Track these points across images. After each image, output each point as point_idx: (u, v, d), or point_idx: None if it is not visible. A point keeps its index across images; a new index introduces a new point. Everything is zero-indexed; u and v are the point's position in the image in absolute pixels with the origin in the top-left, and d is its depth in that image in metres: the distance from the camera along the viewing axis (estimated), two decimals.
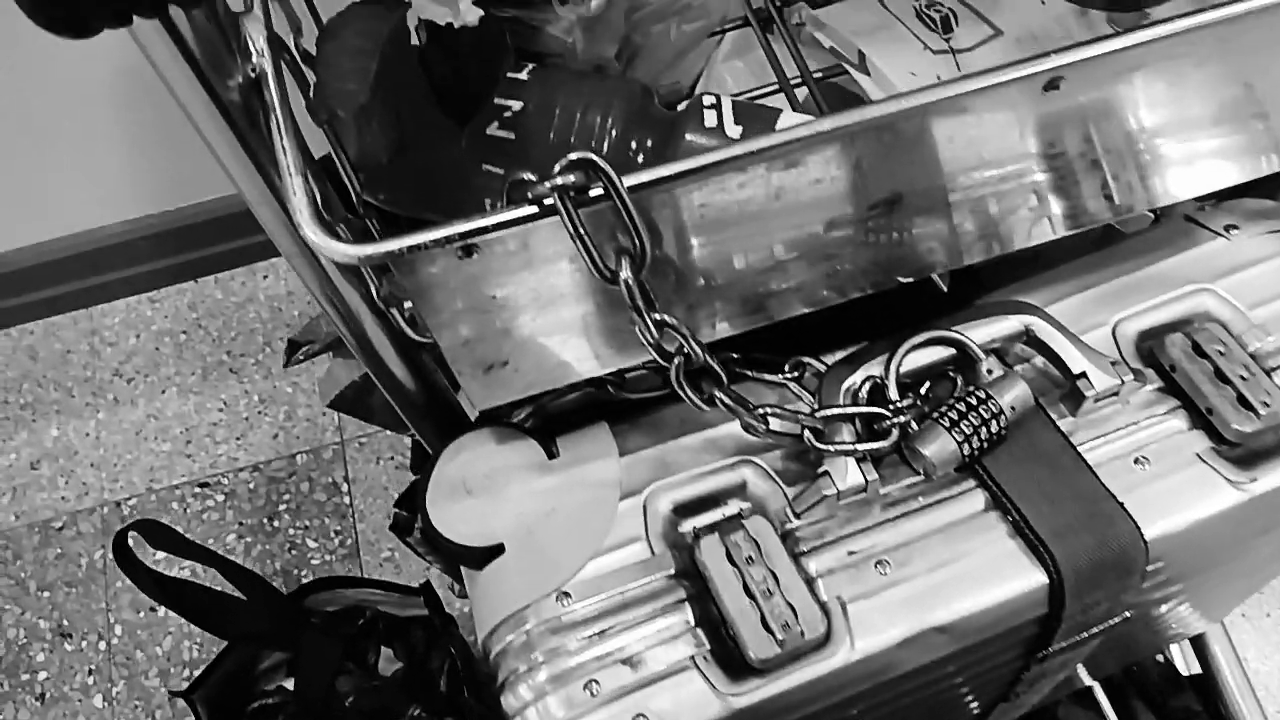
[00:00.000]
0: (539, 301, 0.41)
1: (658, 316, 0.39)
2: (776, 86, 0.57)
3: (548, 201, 0.35)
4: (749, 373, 0.59)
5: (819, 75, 0.56)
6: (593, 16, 0.45)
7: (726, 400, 0.45)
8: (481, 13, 0.33)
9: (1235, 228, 0.61)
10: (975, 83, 0.39)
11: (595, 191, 0.35)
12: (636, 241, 0.36)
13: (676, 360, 0.42)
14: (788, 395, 0.58)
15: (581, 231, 0.35)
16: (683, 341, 0.41)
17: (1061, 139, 0.47)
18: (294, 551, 1.23)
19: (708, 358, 0.43)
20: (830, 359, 0.60)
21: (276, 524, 1.24)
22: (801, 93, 0.56)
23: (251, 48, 0.36)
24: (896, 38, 0.54)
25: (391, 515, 0.89)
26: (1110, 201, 0.55)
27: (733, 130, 0.44)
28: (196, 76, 0.33)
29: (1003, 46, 0.55)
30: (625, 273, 0.36)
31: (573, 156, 0.34)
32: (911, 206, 0.48)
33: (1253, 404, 0.54)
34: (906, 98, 0.39)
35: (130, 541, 0.82)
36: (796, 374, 0.58)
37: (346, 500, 1.25)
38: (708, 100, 0.45)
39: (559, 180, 0.34)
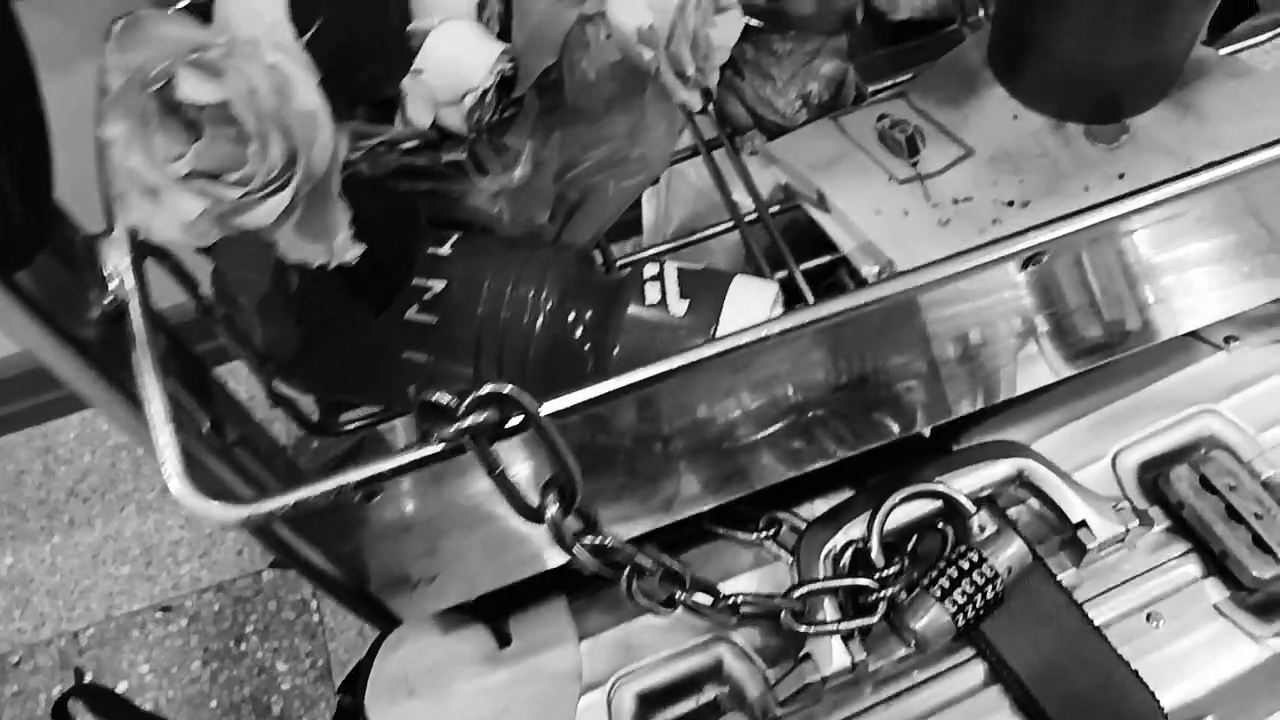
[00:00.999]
0: (467, 519, 0.36)
1: (600, 542, 0.34)
2: (731, 223, 0.52)
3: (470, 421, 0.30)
4: (720, 530, 0.54)
5: (776, 210, 0.51)
6: (517, 187, 0.40)
7: (691, 603, 0.40)
8: (362, 248, 0.29)
9: (1235, 339, 0.57)
10: (961, 263, 0.34)
11: (516, 420, 0.30)
12: (565, 476, 0.31)
13: (627, 569, 0.37)
14: (763, 555, 0.53)
15: (498, 472, 0.30)
16: (633, 555, 0.36)
17: (1055, 290, 0.43)
18: (263, 675, 1.16)
19: (666, 563, 0.38)
20: (808, 509, 0.55)
21: (244, 646, 1.18)
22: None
23: (111, 276, 0.31)
24: (857, 169, 0.49)
25: (333, 705, 0.82)
26: (1110, 343, 0.50)
27: (677, 306, 0.39)
28: (41, 319, 0.29)
29: (974, 167, 0.51)
30: (552, 509, 0.31)
31: (485, 390, 0.29)
32: (889, 376, 0.44)
33: (1271, 546, 0.49)
34: (887, 284, 0.35)
35: (70, 706, 0.76)
36: (772, 531, 0.53)
37: (316, 618, 1.18)
38: (649, 271, 0.40)
39: (468, 422, 0.29)
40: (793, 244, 0.52)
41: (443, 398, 0.30)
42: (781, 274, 0.50)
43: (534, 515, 0.31)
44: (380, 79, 0.35)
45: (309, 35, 0.29)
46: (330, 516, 0.33)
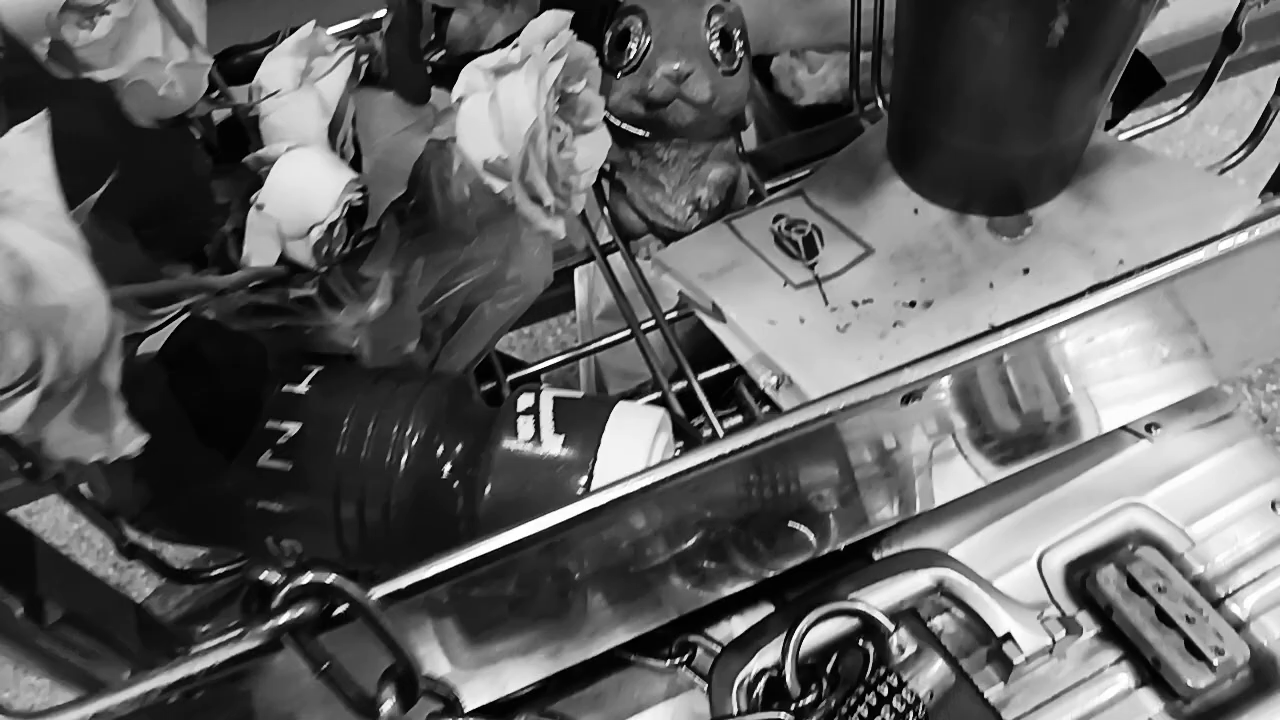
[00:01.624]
0: (319, 699, 0.33)
1: None
2: (628, 331, 0.50)
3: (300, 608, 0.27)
4: (631, 657, 0.51)
5: (673, 315, 0.49)
6: (377, 319, 0.37)
7: None
8: (145, 438, 0.26)
9: (1157, 426, 0.55)
10: (869, 390, 0.32)
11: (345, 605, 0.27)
12: (404, 666, 0.28)
13: None
14: (679, 682, 0.50)
15: (324, 668, 0.27)
16: None
17: (974, 394, 0.40)
18: None
19: None
20: (725, 628, 0.52)
21: None
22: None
23: None
24: (751, 276, 0.47)
25: None
26: (1033, 445, 0.48)
27: (552, 441, 0.37)
28: None
29: (875, 266, 0.49)
30: (389, 705, 0.28)
31: (306, 579, 0.26)
32: (798, 494, 0.42)
33: (1204, 652, 0.47)
34: (792, 415, 0.32)
35: None
36: (686, 656, 0.50)
37: None
38: (524, 403, 0.38)
39: (285, 618, 0.26)
40: (700, 347, 0.49)
41: (271, 577, 0.27)
42: (681, 385, 0.48)
43: (368, 712, 0.28)
44: (197, 228, 0.33)
45: (103, 191, 0.26)
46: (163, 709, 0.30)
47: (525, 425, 0.37)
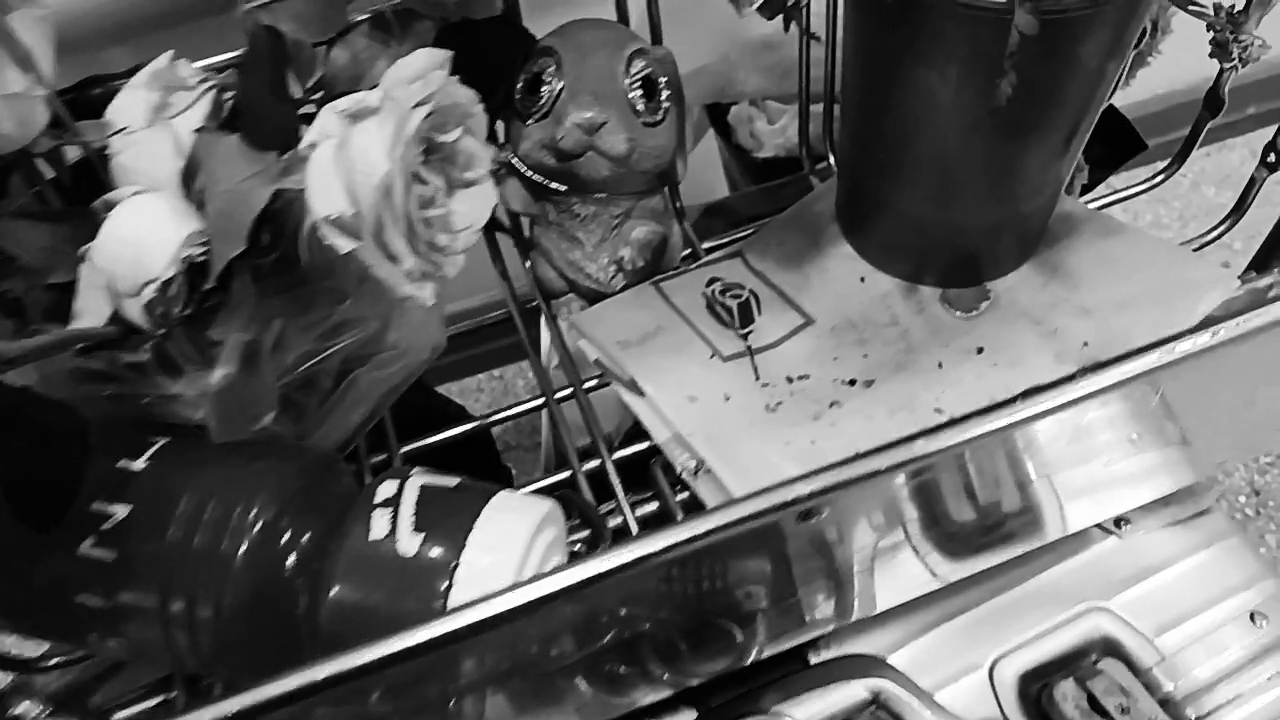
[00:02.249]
0: None
1: None
2: (541, 399, 0.45)
3: None
4: None
5: (592, 383, 0.45)
6: (224, 388, 0.33)
7: None
8: None
9: (1127, 522, 0.51)
10: (765, 500, 0.27)
11: None
12: None
13: None
14: None
15: None
16: None
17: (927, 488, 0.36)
18: None
19: None
20: None
21: None
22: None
23: None
24: (675, 346, 0.43)
25: None
26: (989, 544, 0.44)
27: (409, 541, 0.32)
28: None
29: (815, 338, 0.44)
30: None
31: None
32: (722, 598, 0.37)
33: None
34: (709, 517, 0.27)
35: None
36: None
37: None
38: (384, 492, 0.33)
39: None
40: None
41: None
42: (594, 464, 0.43)
43: None
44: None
45: None
46: None
47: (381, 519, 0.32)
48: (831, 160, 0.52)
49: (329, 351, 0.37)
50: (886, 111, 0.41)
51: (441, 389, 1.33)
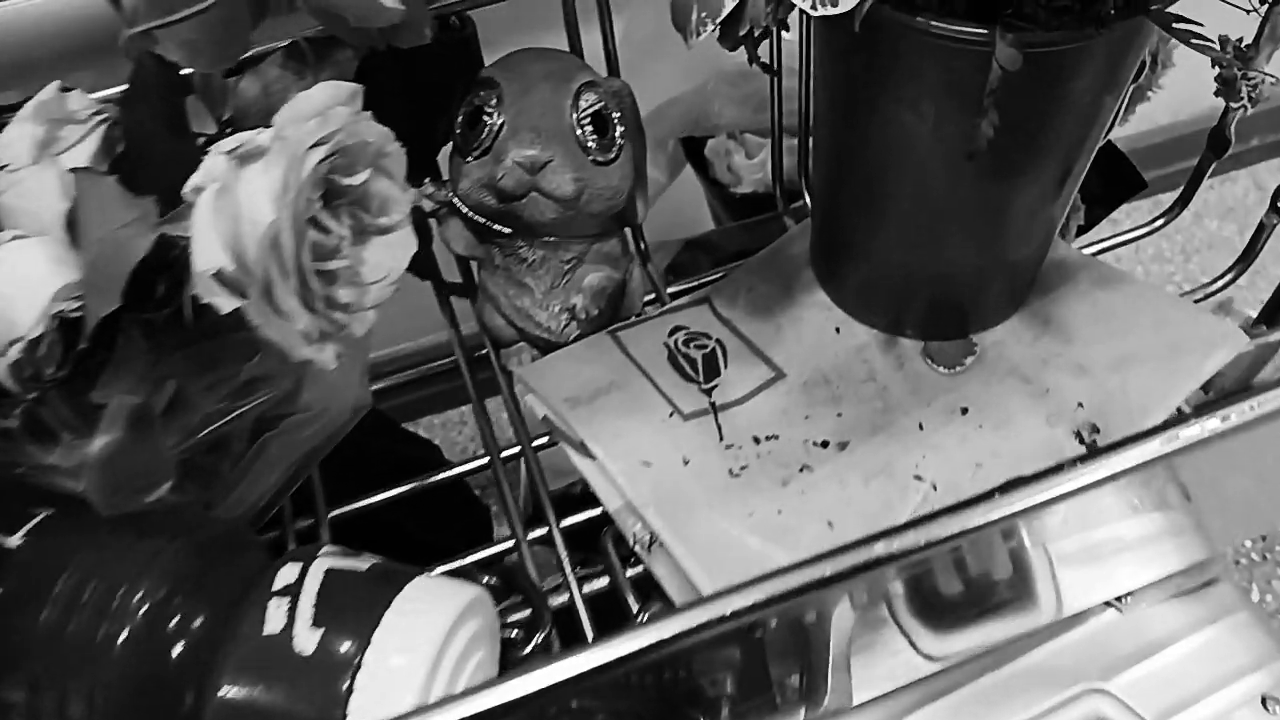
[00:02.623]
0: None
1: None
2: (485, 459, 0.42)
3: None
4: None
5: (541, 441, 0.41)
6: (108, 457, 0.29)
7: None
8: None
9: (1128, 594, 0.47)
10: (704, 612, 0.23)
11: None
12: None
13: None
14: None
15: None
16: None
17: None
18: None
19: None
20: None
21: None
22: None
23: None
24: (632, 402, 0.39)
25: None
26: (990, 621, 0.40)
27: (306, 638, 0.28)
28: None
29: (785, 394, 0.41)
30: None
31: None
32: (691, 686, 0.33)
33: None
34: (681, 616, 0.23)
35: None
36: None
37: None
38: (283, 578, 0.29)
39: None
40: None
41: None
42: (542, 531, 0.39)
43: None
44: None
45: None
46: None
47: (278, 610, 0.28)
48: (806, 199, 0.49)
49: (237, 412, 0.33)
50: (859, 151, 0.38)
51: (426, 420, 1.29)
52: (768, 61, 0.45)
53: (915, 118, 0.34)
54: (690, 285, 0.46)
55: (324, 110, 0.26)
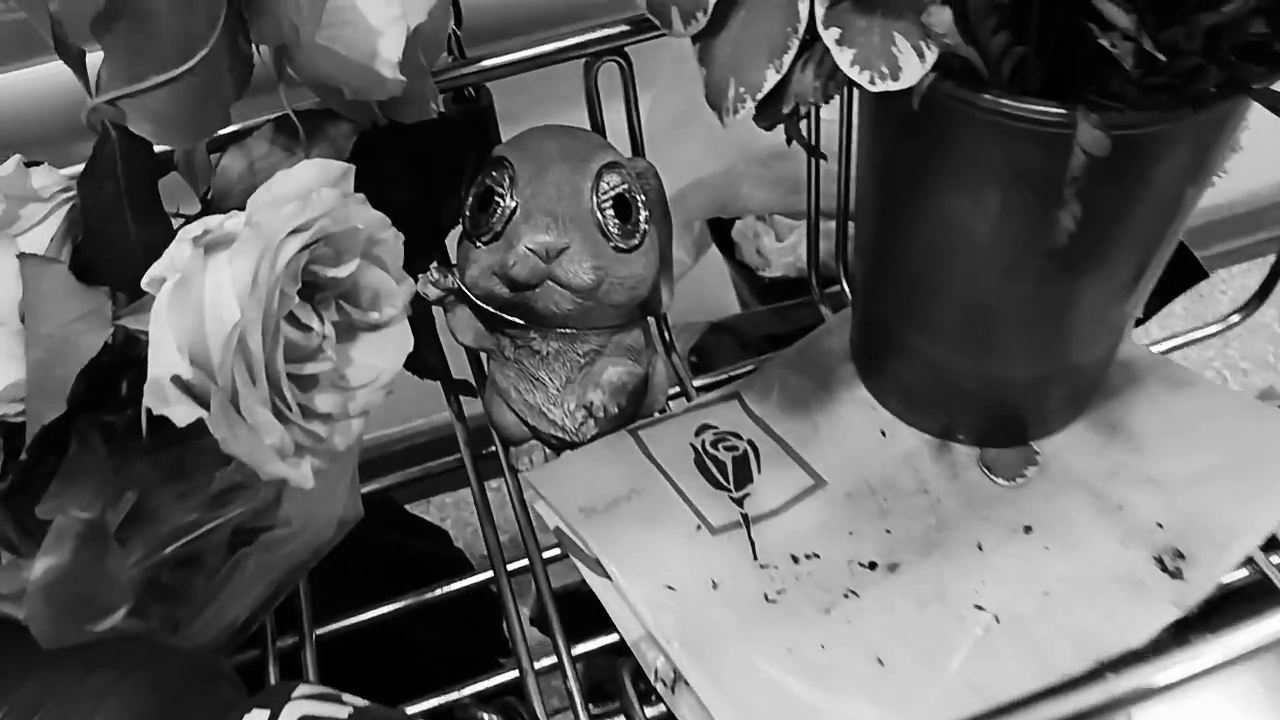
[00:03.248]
0: None
1: None
2: (490, 573, 0.38)
3: None
4: None
5: (552, 554, 0.37)
6: (52, 581, 0.25)
7: None
8: None
9: None
10: None
11: None
12: None
13: None
14: None
15: None
16: None
17: None
18: None
19: None
20: None
21: None
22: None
23: None
24: (654, 513, 0.35)
25: None
26: None
27: None
28: None
29: (826, 506, 0.37)
30: None
31: None
32: None
33: None
34: None
35: None
36: None
37: None
38: None
39: None
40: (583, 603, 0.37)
41: None
42: (550, 660, 0.35)
43: None
44: None
45: None
46: None
47: None
48: (844, 287, 0.45)
49: (209, 526, 0.29)
50: (908, 238, 0.34)
51: (437, 499, 1.23)
52: (808, 141, 0.42)
53: (974, 206, 0.30)
54: (719, 378, 0.43)
55: (307, 192, 0.23)
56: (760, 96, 0.25)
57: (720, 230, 0.59)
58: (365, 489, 0.41)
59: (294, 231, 0.22)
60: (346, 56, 0.27)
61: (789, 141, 0.32)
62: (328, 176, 0.24)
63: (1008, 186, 0.29)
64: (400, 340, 0.26)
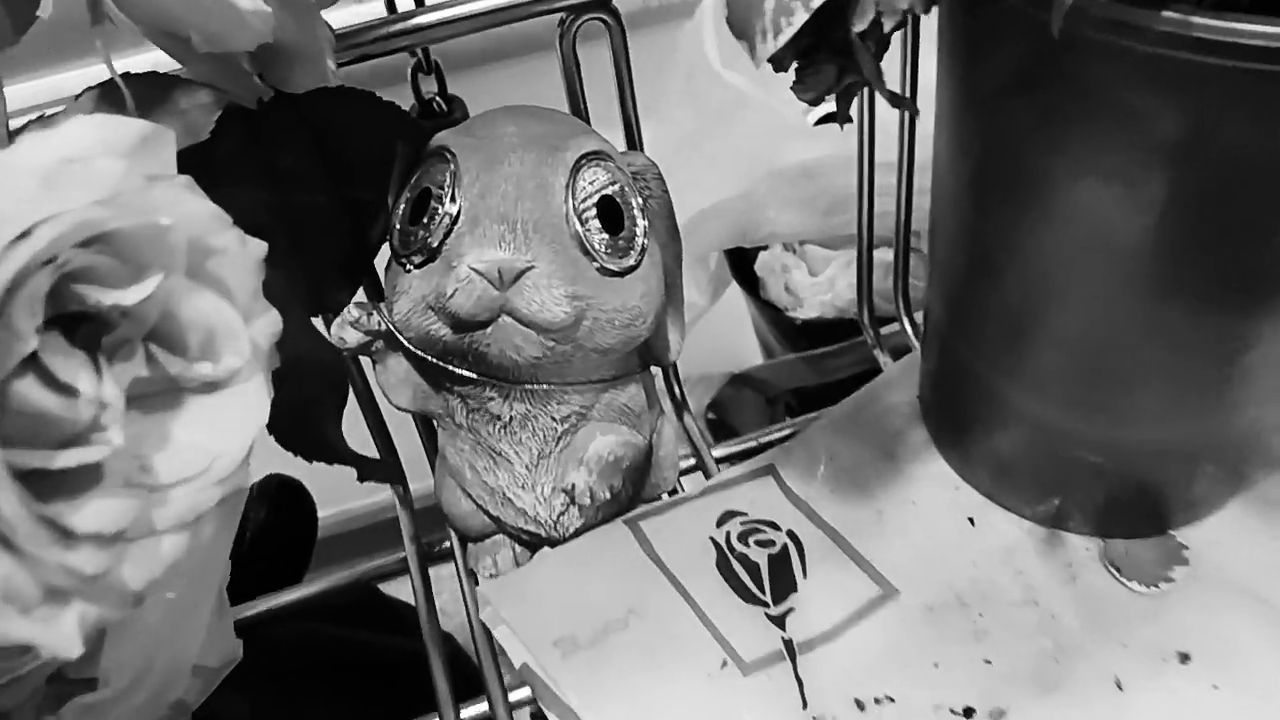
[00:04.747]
0: None
1: None
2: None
3: None
4: None
5: (520, 696, 0.27)
6: None
7: None
8: None
9: None
10: None
11: None
12: None
13: None
14: None
15: None
16: None
17: None
18: None
19: None
20: None
21: None
22: None
23: None
24: (660, 645, 0.25)
25: None
26: None
27: None
28: None
29: (900, 624, 0.27)
30: None
31: None
32: None
33: None
34: None
35: None
36: None
37: None
38: None
39: None
40: None
41: None
42: None
43: None
44: None
45: None
46: None
47: None
48: (907, 327, 0.35)
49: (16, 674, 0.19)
50: (1013, 256, 0.25)
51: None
52: (859, 154, 0.33)
53: (1124, 196, 0.21)
54: (745, 446, 0.33)
55: (69, 164, 0.14)
56: (816, 5, 0.15)
57: (741, 264, 0.50)
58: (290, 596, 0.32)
59: (27, 232, 0.13)
60: None
61: (841, 123, 0.23)
62: (116, 141, 0.15)
63: (1184, 163, 0.19)
64: (251, 406, 0.16)
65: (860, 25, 0.15)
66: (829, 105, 0.24)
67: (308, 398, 0.23)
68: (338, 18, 0.26)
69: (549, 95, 0.30)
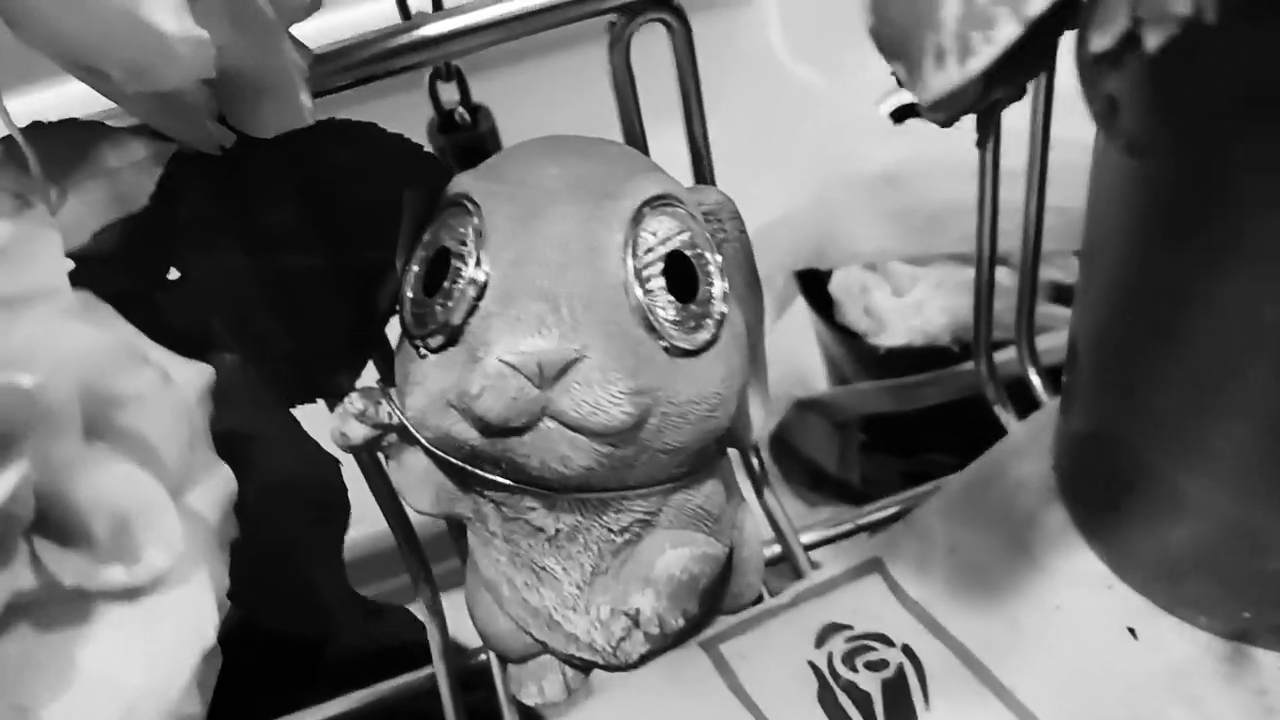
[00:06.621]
0: None
1: None
2: None
3: None
4: None
5: None
6: None
7: None
8: None
9: None
10: None
11: None
12: None
13: None
14: None
15: None
16: None
17: None
18: None
19: None
20: None
21: None
22: None
23: None
24: None
25: None
26: None
27: None
28: None
29: None
30: None
31: None
32: None
33: None
34: None
35: None
36: None
37: None
38: None
39: None
40: None
41: None
42: None
43: None
44: None
45: None
46: None
47: None
48: (1035, 380, 0.29)
49: None
50: (1207, 311, 0.19)
51: None
52: (983, 164, 0.27)
53: None
54: (841, 529, 0.27)
55: None
56: (1034, 14, 0.10)
57: (812, 281, 0.44)
58: None
59: None
60: None
61: (982, 144, 0.17)
62: None
63: None
64: (188, 619, 0.11)
65: (1102, 42, 0.10)
66: (904, 95, 0.18)
67: (291, 539, 0.18)
68: (334, 25, 0.21)
69: (591, 100, 0.24)
